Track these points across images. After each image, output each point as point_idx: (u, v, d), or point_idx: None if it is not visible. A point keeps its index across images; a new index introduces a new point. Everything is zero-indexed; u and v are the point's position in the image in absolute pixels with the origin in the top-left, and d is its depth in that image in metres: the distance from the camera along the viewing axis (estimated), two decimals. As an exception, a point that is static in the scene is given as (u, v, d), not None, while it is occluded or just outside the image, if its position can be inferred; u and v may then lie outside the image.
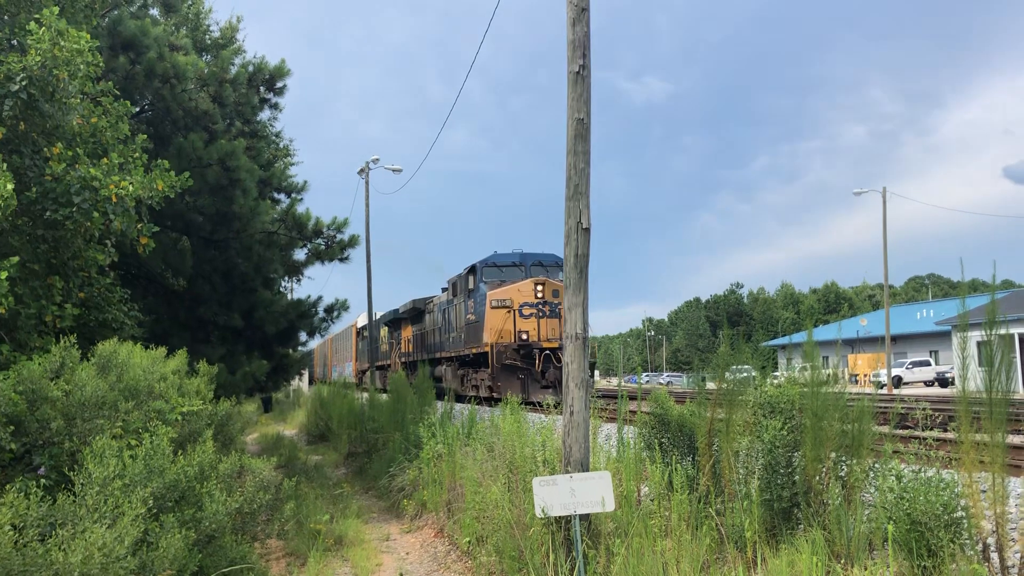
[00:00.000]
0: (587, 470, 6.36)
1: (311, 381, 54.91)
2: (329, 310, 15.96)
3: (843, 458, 6.20)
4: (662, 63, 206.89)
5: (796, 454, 6.35)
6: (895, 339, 50.84)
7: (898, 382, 46.10)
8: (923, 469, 5.63)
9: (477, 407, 17.61)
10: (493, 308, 22.61)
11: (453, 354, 26.31)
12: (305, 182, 16.61)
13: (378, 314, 43.15)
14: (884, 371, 44.49)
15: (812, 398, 6.14)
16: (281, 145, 22.50)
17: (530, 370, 21.27)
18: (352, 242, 14.87)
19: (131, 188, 8.05)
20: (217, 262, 14.17)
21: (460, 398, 23.37)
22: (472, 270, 24.91)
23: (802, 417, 6.33)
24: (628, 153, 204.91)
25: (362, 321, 45.27)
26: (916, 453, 5.94)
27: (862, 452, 6.04)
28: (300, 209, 15.56)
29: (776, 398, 6.36)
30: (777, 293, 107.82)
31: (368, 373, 33.76)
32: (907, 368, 48.30)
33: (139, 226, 8.48)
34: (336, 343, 55.04)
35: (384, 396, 20.10)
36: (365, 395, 23.98)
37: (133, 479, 4.88)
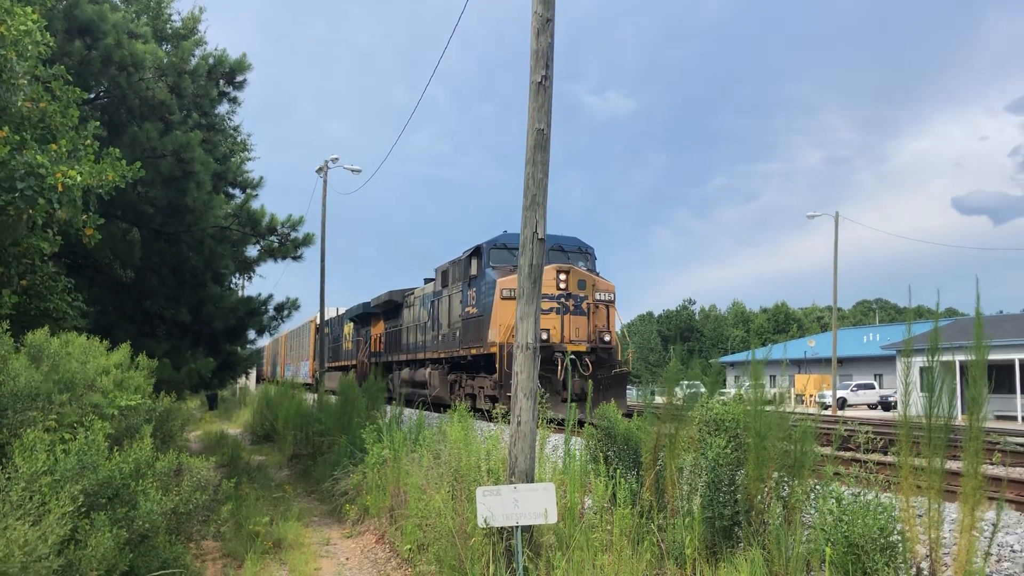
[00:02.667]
0: (532, 481, 6.32)
1: (259, 380, 54.02)
2: (280, 308, 15.76)
3: (785, 478, 6.24)
4: (625, 79, 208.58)
5: (739, 472, 6.39)
6: (841, 361, 51.70)
7: (843, 404, 46.87)
8: (862, 492, 5.70)
9: (427, 413, 17.46)
10: (504, 299, 18.60)
11: (442, 355, 22.52)
12: (261, 178, 16.42)
13: (340, 310, 41.38)
14: (829, 392, 45.19)
15: (756, 417, 6.18)
16: (239, 139, 22.18)
17: (550, 379, 17.22)
18: (306, 240, 14.71)
19: (79, 177, 7.85)
20: (167, 255, 13.91)
21: (446, 408, 18.86)
22: (476, 252, 20.52)
23: (746, 436, 6.36)
24: (589, 166, 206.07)
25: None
26: (856, 476, 6.01)
27: (804, 473, 6.09)
28: (255, 205, 15.39)
29: (721, 416, 6.39)
30: (728, 311, 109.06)
31: (326, 373, 32.54)
32: (852, 390, 49.16)
33: (84, 217, 8.27)
34: (291, 340, 53.08)
35: (333, 398, 19.89)
36: (314, 396, 23.72)
37: (64, 475, 4.73)
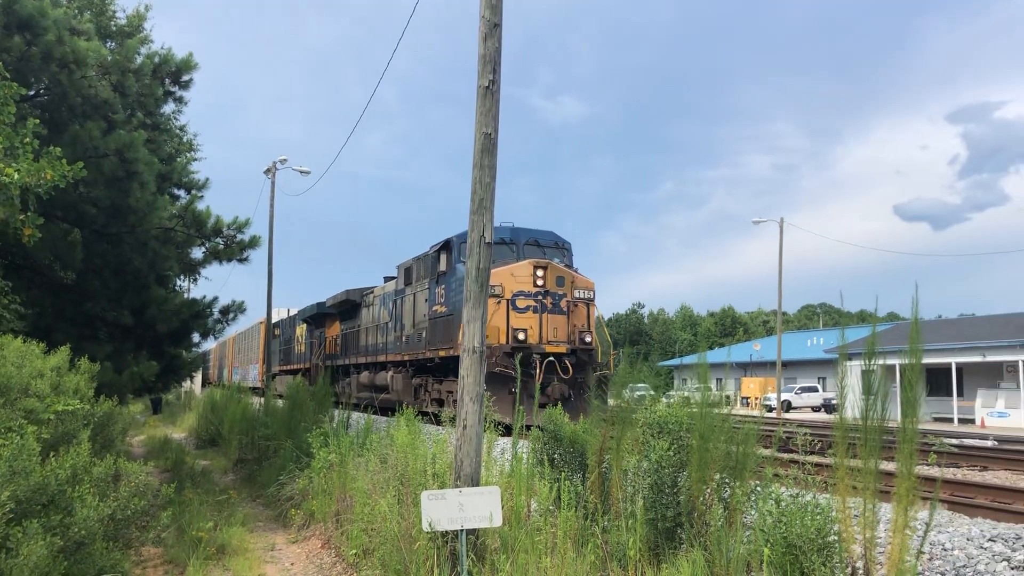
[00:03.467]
0: (478, 485, 6.33)
1: (204, 383, 53.09)
2: (225, 311, 15.54)
3: (727, 480, 6.33)
4: (578, 84, 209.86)
5: (683, 474, 6.47)
6: (786, 364, 52.57)
7: (787, 406, 47.67)
8: (801, 494, 5.81)
9: (377, 418, 17.25)
10: None
11: (406, 357, 21.22)
12: (207, 179, 16.18)
13: (292, 311, 39.88)
14: (774, 395, 45.94)
15: (699, 419, 6.27)
16: (185, 139, 21.86)
17: (527, 382, 15.85)
18: (252, 243, 14.53)
19: (16, 175, 7.66)
20: (109, 256, 13.63)
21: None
22: (446, 246, 19.21)
23: (690, 438, 6.45)
24: (540, 170, 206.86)
25: (274, 318, 42.91)
26: (795, 477, 6.12)
27: (745, 475, 6.19)
28: (201, 206, 15.14)
29: (665, 419, 6.46)
30: (676, 315, 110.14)
31: (276, 377, 31.79)
32: (796, 393, 50.02)
33: (23, 216, 8.08)
34: (240, 343, 51.67)
35: (281, 402, 19.66)
36: (261, 400, 23.42)
37: (-5, 481, 4.61)
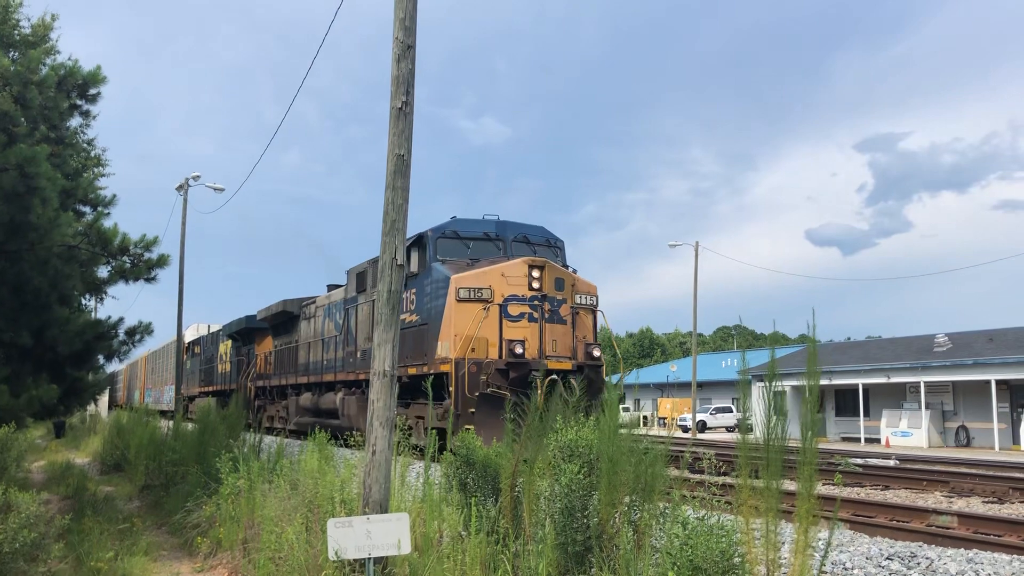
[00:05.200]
0: (386, 511, 6.23)
1: (111, 406, 51.20)
2: (131, 333, 15.02)
3: (636, 502, 6.37)
4: (501, 106, 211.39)
5: (593, 497, 6.48)
6: (701, 385, 53.56)
7: (703, 427, 48.51)
8: (707, 515, 5.88)
9: (288, 441, 16.78)
10: (461, 302, 14.56)
11: (361, 376, 18.28)
12: (114, 195, 15.66)
13: (212, 327, 37.44)
14: (690, 415, 46.69)
15: (608, 442, 6.30)
16: (93, 154, 21.17)
17: (522, 406, 11.62)
18: (161, 262, 14.10)
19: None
20: (8, 275, 13.06)
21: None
22: (418, 242, 16.36)
23: (600, 461, 6.47)
24: (464, 190, 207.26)
25: (191, 335, 40.03)
26: (700, 499, 6.20)
27: (653, 497, 6.24)
28: (108, 223, 14.61)
29: (575, 441, 6.48)
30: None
31: (195, 399, 30.32)
32: (711, 414, 50.98)
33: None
34: (153, 363, 49.36)
35: (191, 425, 19.11)
36: (171, 423, 22.70)
37: None
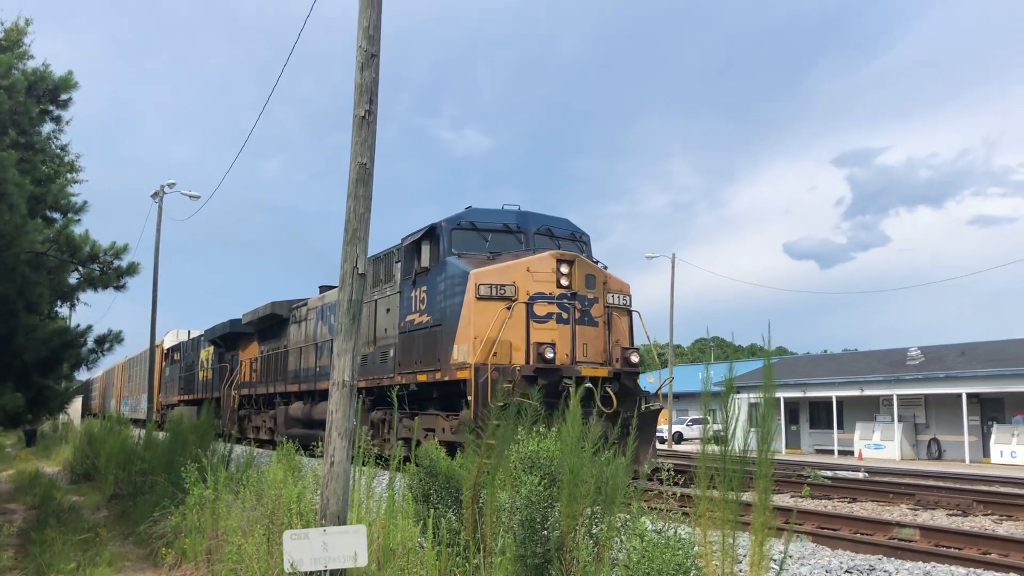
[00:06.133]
0: (344, 523, 6.20)
1: (84, 414, 50.59)
2: (101, 341, 14.88)
3: (597, 515, 6.38)
4: (482, 116, 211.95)
5: (555, 509, 6.48)
6: (679, 396, 53.73)
7: (679, 438, 48.64)
8: (666, 528, 5.88)
9: (259, 451, 16.63)
10: (482, 299, 13.11)
11: (363, 384, 16.31)
12: (85, 202, 15.54)
13: (192, 332, 36.51)
14: (666, 427, 46.81)
15: (570, 454, 6.30)
16: (66, 160, 20.97)
17: (552, 417, 9.66)
18: (131, 270, 14.00)
19: None
20: (-27, 281, 12.92)
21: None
22: (430, 235, 14.84)
23: (561, 472, 6.47)
24: (446, 200, 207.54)
25: (171, 341, 39.35)
26: (659, 510, 6.21)
27: (613, 509, 6.24)
28: (79, 230, 14.51)
29: (536, 453, 6.48)
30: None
31: (173, 408, 29.68)
32: (688, 425, 51.14)
33: None
34: (129, 370, 48.48)
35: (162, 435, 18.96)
36: (143, 432, 22.49)
37: None
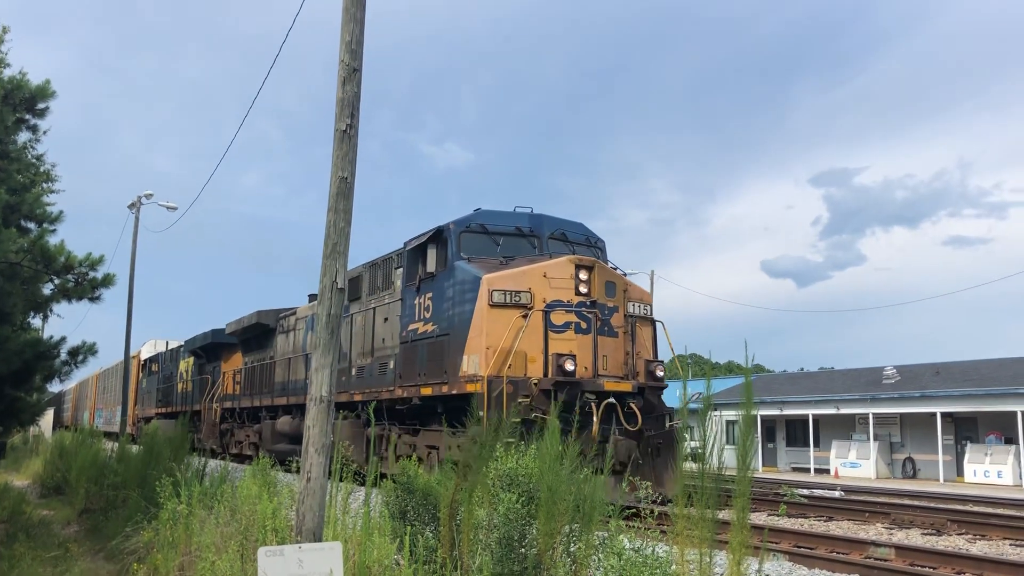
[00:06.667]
0: (320, 540, 6.14)
1: (56, 426, 49.88)
2: (74, 352, 14.71)
3: (575, 532, 6.36)
4: (464, 132, 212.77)
5: (533, 526, 6.45)
6: (657, 414, 53.71)
7: (657, 455, 48.66)
8: (645, 545, 5.88)
9: (234, 465, 16.42)
10: (495, 307, 12.28)
11: (359, 398, 16.16)
12: (61, 212, 15.36)
13: (170, 343, 35.79)
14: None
15: (548, 472, 6.28)
16: (42, 170, 20.81)
17: (581, 435, 9.54)
18: (106, 281, 13.84)
19: None
20: (-56, 291, 12.76)
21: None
22: (436, 237, 13.90)
23: (539, 490, 6.44)
24: (426, 213, 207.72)
25: (148, 352, 38.49)
26: (636, 528, 6.21)
27: (591, 527, 6.23)
28: (55, 241, 14.33)
29: (514, 470, 6.45)
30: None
31: (151, 420, 28.98)
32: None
33: None
34: (104, 381, 47.60)
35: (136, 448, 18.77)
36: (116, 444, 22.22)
37: None
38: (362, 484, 8.59)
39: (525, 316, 12.27)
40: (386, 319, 15.57)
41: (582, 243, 14.54)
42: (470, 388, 12.21)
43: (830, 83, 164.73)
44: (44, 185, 20.46)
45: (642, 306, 13.66)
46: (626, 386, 12.48)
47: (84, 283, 13.74)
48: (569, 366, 11.97)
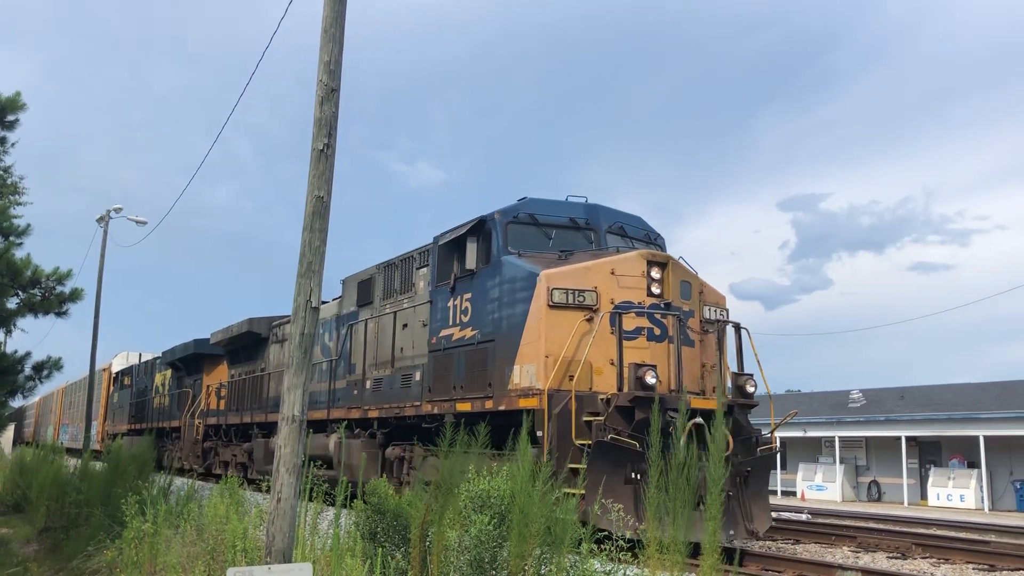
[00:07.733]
0: (290, 561, 6.09)
1: (16, 442, 48.86)
2: (39, 368, 14.50)
3: (547, 555, 6.35)
4: (435, 151, 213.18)
5: (504, 549, 6.44)
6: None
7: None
8: (615, 568, 5.90)
9: (201, 484, 16.21)
10: (555, 308, 10.53)
11: (374, 414, 14.23)
12: (28, 225, 15.14)
13: (143, 355, 34.34)
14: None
15: (521, 493, 6.28)
16: (9, 182, 20.53)
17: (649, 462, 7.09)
18: (73, 296, 13.69)
19: None
20: (-94, 304, 12.56)
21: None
22: (478, 228, 12.17)
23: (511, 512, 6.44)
24: (398, 232, 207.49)
25: (120, 364, 36.87)
26: (608, 551, 6.22)
27: (562, 549, 6.23)
28: (21, 254, 14.16)
29: (487, 492, 6.45)
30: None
31: (122, 437, 27.80)
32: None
33: None
34: (71, 396, 45.78)
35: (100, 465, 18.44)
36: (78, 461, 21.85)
37: None
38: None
39: (590, 320, 10.55)
40: (406, 325, 13.89)
41: (642, 239, 12.86)
42: (523, 404, 10.43)
43: (794, 111, 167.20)
44: (11, 197, 20.16)
45: (718, 311, 12.04)
46: (712, 403, 10.04)
47: (51, 297, 13.59)
48: (650, 379, 10.07)
